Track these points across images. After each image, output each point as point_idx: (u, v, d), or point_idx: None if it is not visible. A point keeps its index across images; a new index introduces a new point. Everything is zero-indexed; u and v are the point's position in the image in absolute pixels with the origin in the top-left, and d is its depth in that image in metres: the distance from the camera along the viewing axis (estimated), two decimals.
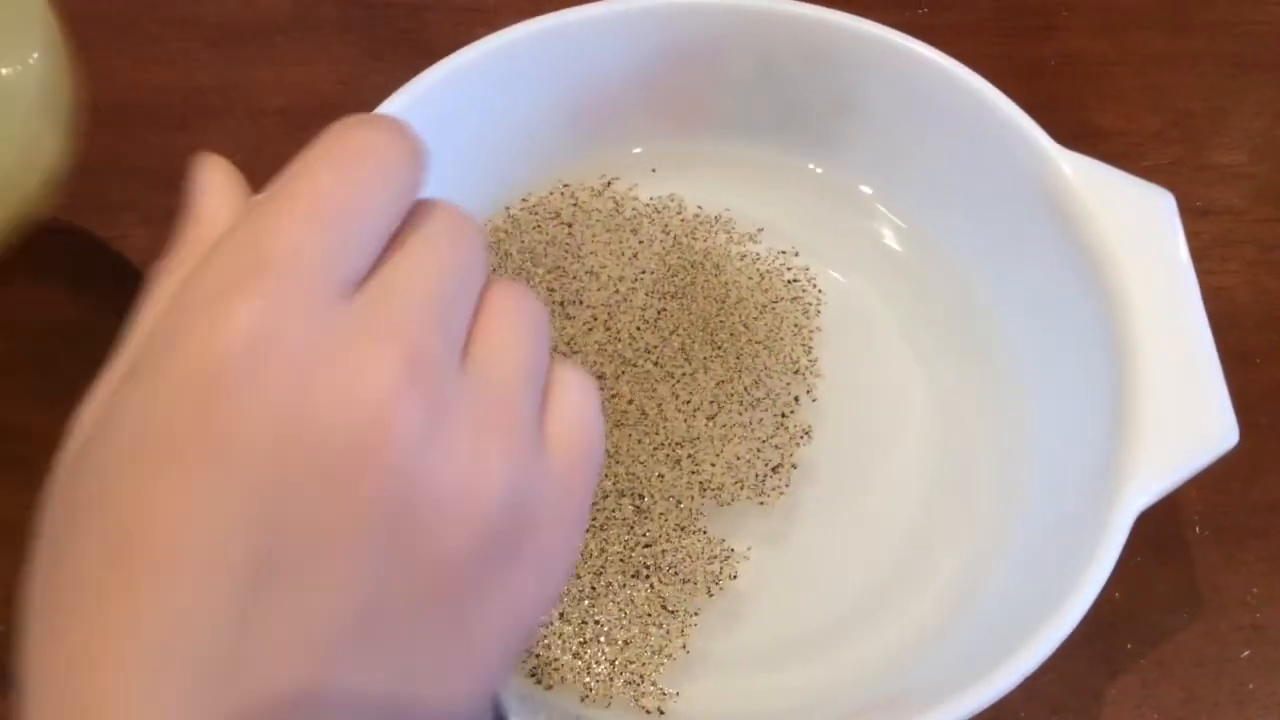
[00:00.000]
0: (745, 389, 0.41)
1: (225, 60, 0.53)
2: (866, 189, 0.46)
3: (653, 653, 0.37)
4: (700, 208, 0.45)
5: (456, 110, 0.42)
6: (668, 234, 0.43)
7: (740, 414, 0.40)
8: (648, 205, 0.45)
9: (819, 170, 0.46)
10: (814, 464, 0.40)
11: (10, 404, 0.43)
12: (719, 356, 0.41)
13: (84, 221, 0.47)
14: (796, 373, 0.41)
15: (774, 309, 0.42)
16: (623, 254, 0.43)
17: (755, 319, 0.42)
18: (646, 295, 0.42)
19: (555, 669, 0.37)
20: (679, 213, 0.44)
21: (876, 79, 0.43)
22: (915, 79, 0.43)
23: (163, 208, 0.51)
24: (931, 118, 0.43)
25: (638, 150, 0.46)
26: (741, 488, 0.39)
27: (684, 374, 0.41)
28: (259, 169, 0.52)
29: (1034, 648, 0.33)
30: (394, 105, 0.40)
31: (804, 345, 0.42)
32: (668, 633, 0.37)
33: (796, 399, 0.41)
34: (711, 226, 0.45)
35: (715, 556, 0.38)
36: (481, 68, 0.41)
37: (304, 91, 0.52)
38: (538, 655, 0.37)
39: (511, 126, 0.44)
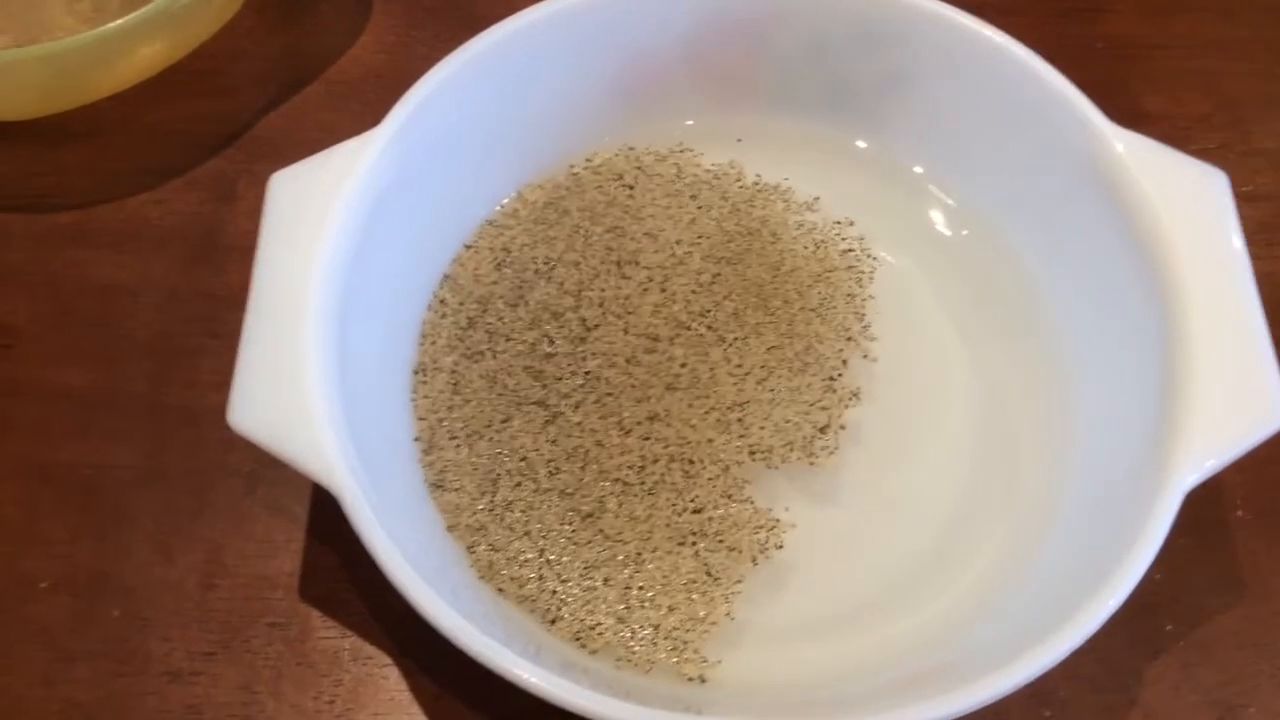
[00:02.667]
0: (796, 354, 0.38)
1: (269, 27, 0.50)
2: (918, 168, 0.43)
3: (696, 620, 0.35)
4: (759, 176, 0.42)
5: (510, 75, 0.39)
6: (726, 200, 0.41)
7: (790, 379, 0.38)
8: (708, 172, 0.42)
9: (869, 147, 0.44)
10: (861, 428, 0.38)
11: (52, 364, 0.42)
12: (771, 323, 0.38)
13: (128, 185, 0.45)
14: (849, 340, 0.39)
15: (828, 278, 0.39)
16: (681, 218, 0.40)
17: (809, 287, 0.39)
18: (703, 259, 0.39)
19: (599, 633, 0.34)
20: (738, 180, 0.42)
21: (927, 55, 0.41)
22: (967, 54, 0.40)
23: (207, 171, 0.51)
24: (983, 94, 0.41)
25: (690, 122, 0.44)
26: (791, 449, 0.37)
27: (736, 339, 0.38)
28: (303, 136, 0.52)
29: (1079, 625, 0.31)
30: (447, 69, 0.38)
31: (856, 313, 0.39)
32: (711, 600, 0.35)
33: (845, 362, 0.39)
34: (769, 195, 0.42)
35: (761, 525, 0.36)
36: (531, 36, 0.39)
37: (348, 60, 0.49)
38: (581, 619, 0.35)
39: (568, 93, 0.41)
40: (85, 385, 0.42)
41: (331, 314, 0.34)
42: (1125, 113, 0.39)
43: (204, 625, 0.37)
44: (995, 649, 0.33)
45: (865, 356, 0.39)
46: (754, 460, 0.37)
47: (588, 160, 0.42)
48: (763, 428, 0.37)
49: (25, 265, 0.44)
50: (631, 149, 0.42)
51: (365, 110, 0.48)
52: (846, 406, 0.38)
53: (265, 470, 0.40)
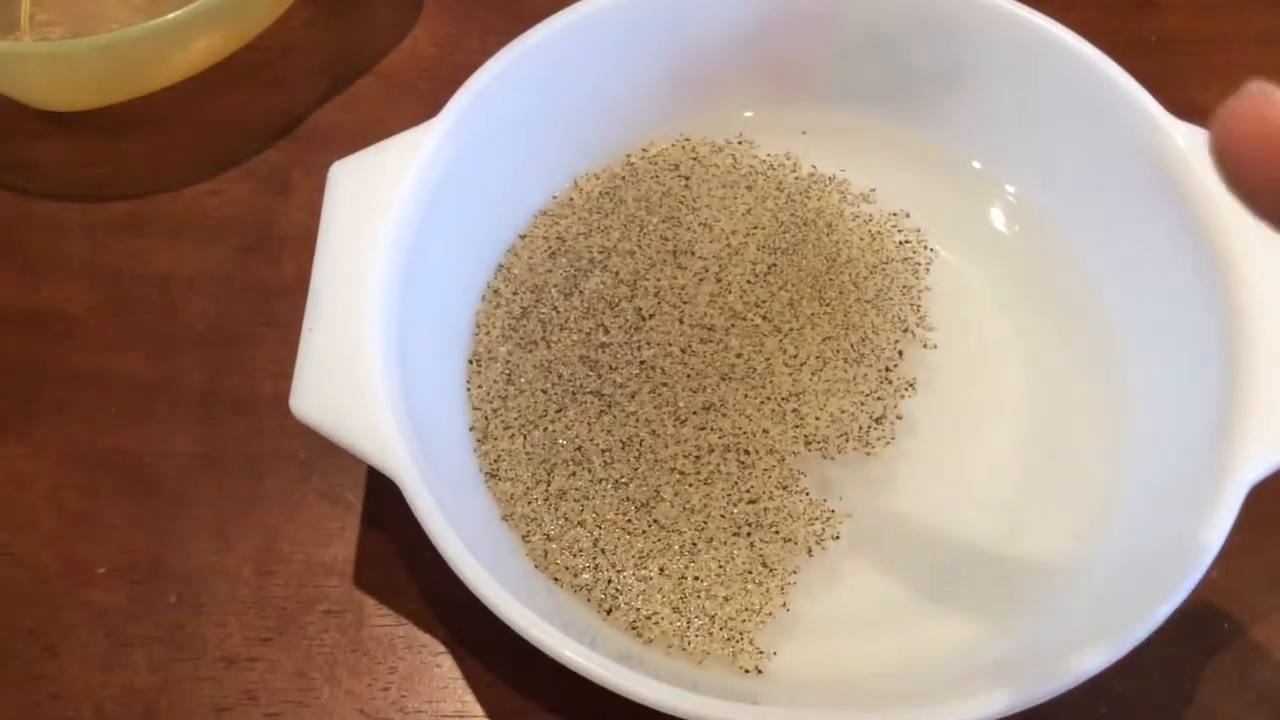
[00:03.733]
0: (852, 345, 0.38)
1: (322, 21, 0.50)
2: (976, 163, 0.43)
3: (752, 611, 0.34)
4: (815, 167, 0.42)
5: (566, 67, 0.39)
6: (781, 191, 0.40)
7: (845, 369, 0.37)
8: (763, 163, 0.42)
9: (928, 140, 0.43)
10: (917, 419, 0.38)
11: (110, 351, 0.42)
12: (826, 314, 0.38)
13: (184, 175, 0.46)
14: (905, 331, 0.38)
15: (884, 269, 0.39)
16: (736, 209, 0.40)
17: (865, 278, 0.39)
18: (758, 250, 0.39)
19: (655, 623, 0.34)
20: (794, 171, 0.41)
21: (985, 48, 0.40)
22: (1025, 47, 0.40)
23: (262, 162, 0.51)
24: (1041, 88, 0.40)
25: (749, 114, 0.43)
26: (846, 440, 0.37)
27: (791, 329, 0.38)
28: (356, 128, 0.52)
29: (1140, 622, 0.30)
30: (504, 60, 0.38)
31: (912, 305, 0.39)
32: (767, 591, 0.35)
33: (901, 353, 0.38)
34: (825, 186, 0.41)
35: (816, 517, 0.36)
36: (587, 28, 0.39)
37: (400, 53, 0.49)
38: (637, 609, 0.34)
39: (624, 84, 0.41)
40: (143, 373, 0.42)
41: (391, 303, 0.34)
42: (1180, 107, 0.39)
43: (260, 611, 0.37)
44: (1053, 645, 0.33)
45: (923, 347, 0.38)
46: (809, 451, 0.36)
47: (644, 150, 0.42)
48: (818, 418, 0.37)
49: (83, 254, 0.44)
50: (687, 139, 0.42)
51: (417, 103, 0.49)
52: (902, 397, 0.37)
53: (320, 458, 0.40)
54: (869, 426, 0.37)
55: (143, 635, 0.37)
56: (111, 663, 0.37)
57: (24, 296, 0.43)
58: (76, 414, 0.41)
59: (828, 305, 0.38)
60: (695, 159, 0.41)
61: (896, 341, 0.38)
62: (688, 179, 0.41)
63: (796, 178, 0.41)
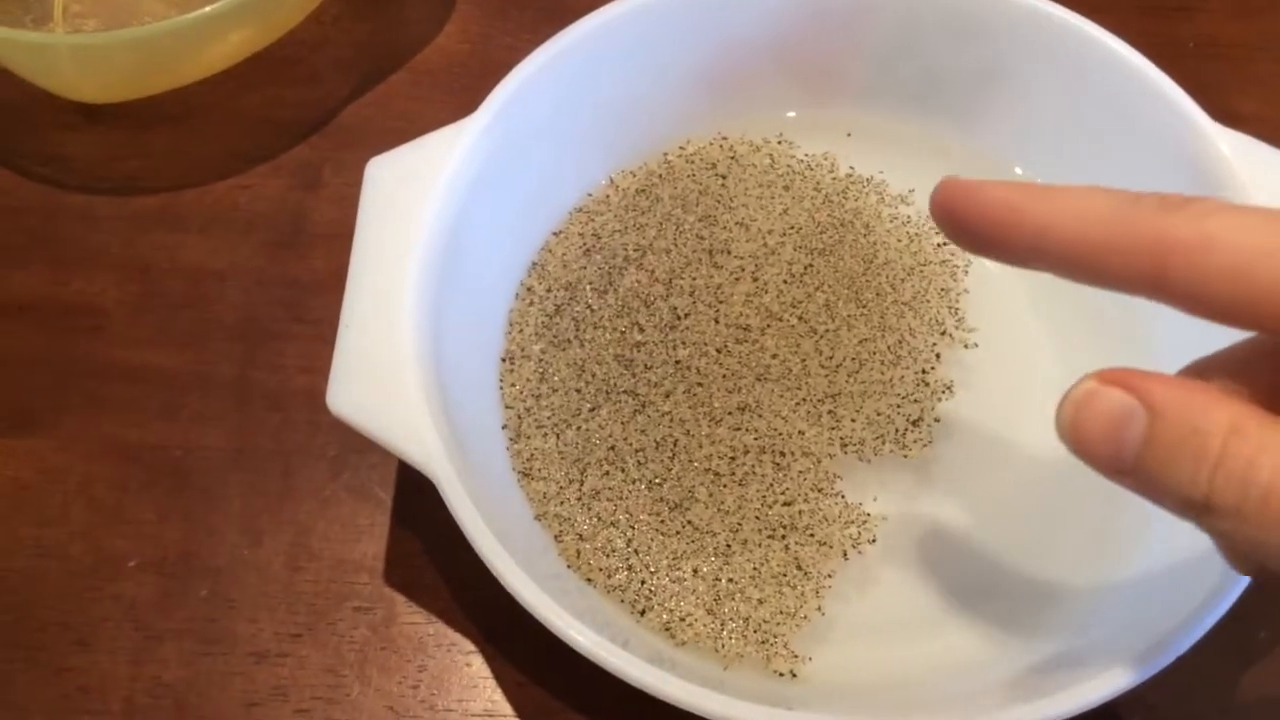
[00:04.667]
0: (888, 347, 0.37)
1: (354, 16, 0.50)
2: (1018, 169, 0.42)
3: (786, 614, 0.34)
4: (853, 168, 0.41)
5: (603, 65, 0.39)
6: (819, 191, 0.40)
7: (882, 371, 0.37)
8: (801, 162, 0.41)
9: (966, 143, 0.42)
10: (955, 422, 0.37)
11: (140, 345, 0.42)
12: (863, 315, 0.38)
13: (215, 170, 0.45)
14: (943, 334, 0.38)
15: (922, 271, 0.39)
16: (774, 208, 0.40)
17: (902, 280, 0.38)
18: (795, 250, 0.38)
19: (689, 624, 0.34)
20: (831, 171, 0.41)
21: (1021, 50, 0.40)
22: (1062, 50, 0.39)
23: (293, 158, 0.51)
24: (1080, 91, 0.39)
25: (791, 114, 0.43)
26: (883, 442, 0.36)
27: (827, 330, 0.37)
28: (387, 125, 0.52)
29: (1182, 633, 0.30)
30: (541, 58, 0.38)
31: (950, 308, 0.38)
32: (802, 594, 0.34)
33: (938, 356, 0.38)
34: (863, 187, 0.41)
35: (852, 520, 0.35)
36: (624, 26, 0.39)
37: (433, 49, 0.49)
38: (671, 610, 0.34)
39: (660, 82, 0.41)
40: (173, 367, 0.42)
41: (427, 300, 0.34)
42: (1217, 114, 0.38)
43: (290, 607, 0.37)
44: (1090, 656, 0.32)
45: (963, 348, 0.38)
46: (845, 453, 0.36)
47: (681, 148, 0.42)
48: (854, 420, 0.36)
49: (114, 247, 0.44)
50: (725, 138, 0.42)
51: (449, 100, 0.48)
52: (940, 400, 0.37)
53: (350, 454, 0.40)
54: (905, 429, 0.37)
55: (173, 629, 0.37)
56: (142, 656, 0.37)
57: (54, 289, 0.43)
58: (107, 408, 0.41)
59: (864, 307, 0.38)
60: (733, 158, 0.41)
61: (934, 344, 0.38)
62: (725, 178, 0.40)
63: (834, 178, 0.41)
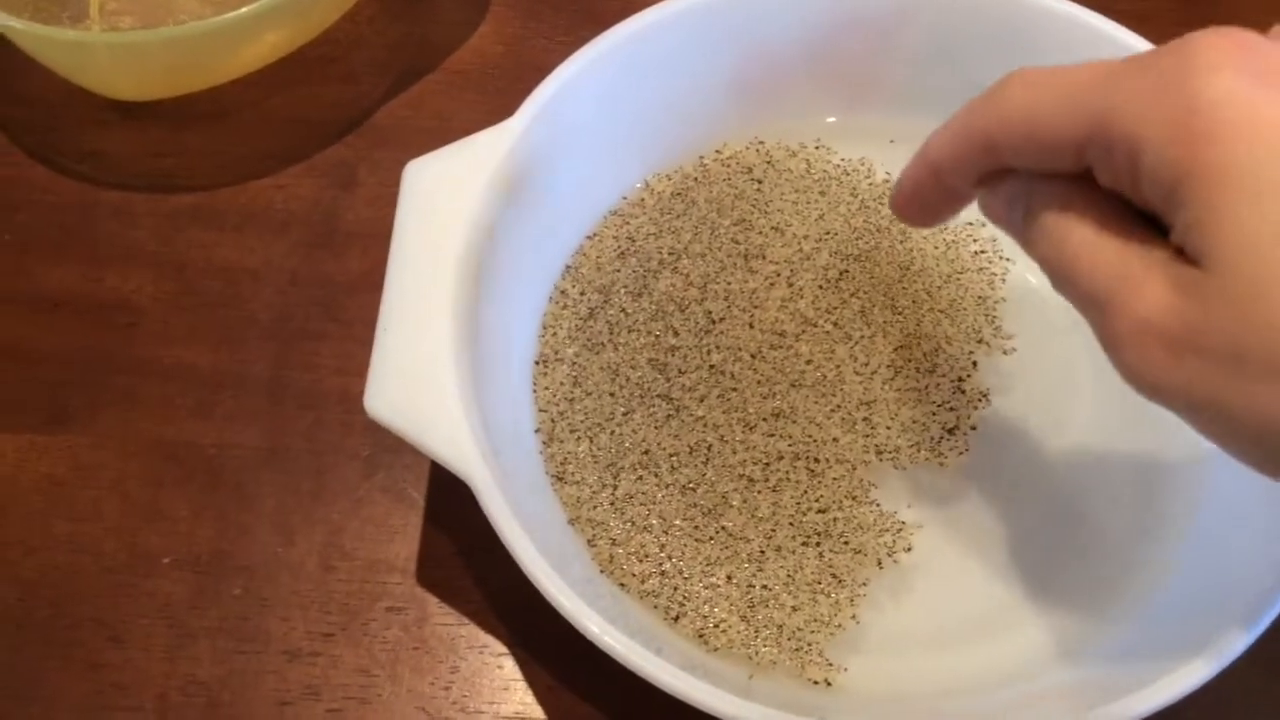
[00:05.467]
0: (924, 355, 0.37)
1: (390, 16, 0.50)
2: None
3: (821, 622, 0.34)
4: (889, 174, 0.41)
5: (640, 69, 0.39)
6: (855, 197, 0.40)
7: (918, 379, 0.37)
8: (837, 168, 0.41)
9: None
10: (991, 431, 0.37)
11: (175, 343, 0.42)
12: (899, 322, 0.38)
13: (250, 168, 0.46)
14: (980, 342, 0.38)
15: (958, 279, 0.38)
16: (809, 214, 0.39)
17: (939, 288, 0.38)
18: (830, 256, 0.38)
19: (722, 631, 0.34)
20: (868, 177, 0.41)
21: (1063, 59, 0.42)
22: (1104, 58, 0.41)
23: (328, 158, 0.51)
24: None
25: (832, 119, 0.42)
26: (919, 450, 0.36)
27: (862, 337, 0.37)
28: (422, 125, 0.51)
29: (1222, 649, 0.30)
30: (579, 62, 0.38)
31: (987, 316, 0.38)
32: (836, 603, 0.34)
33: (975, 364, 0.37)
34: None
35: (886, 529, 0.35)
36: (661, 31, 0.39)
37: (467, 51, 0.49)
38: (705, 616, 0.34)
39: (697, 87, 0.41)
40: (208, 365, 0.42)
41: (464, 304, 0.34)
42: None
43: (323, 607, 0.37)
44: (1128, 668, 0.32)
45: (1002, 354, 0.38)
46: (880, 460, 0.36)
47: (717, 151, 0.41)
48: (889, 427, 0.36)
49: (149, 244, 0.44)
50: (762, 143, 0.41)
51: (483, 101, 0.48)
52: (976, 408, 0.37)
53: (384, 455, 0.40)
54: (941, 437, 0.36)
55: (206, 627, 0.37)
56: (175, 653, 0.37)
57: (89, 286, 0.44)
58: (141, 405, 0.41)
59: (900, 314, 0.38)
60: (769, 162, 0.41)
61: (971, 352, 0.37)
62: (760, 182, 0.40)
63: (870, 184, 0.40)
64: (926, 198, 0.30)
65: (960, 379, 0.37)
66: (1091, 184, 0.25)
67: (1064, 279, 0.26)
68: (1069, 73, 0.25)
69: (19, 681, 0.36)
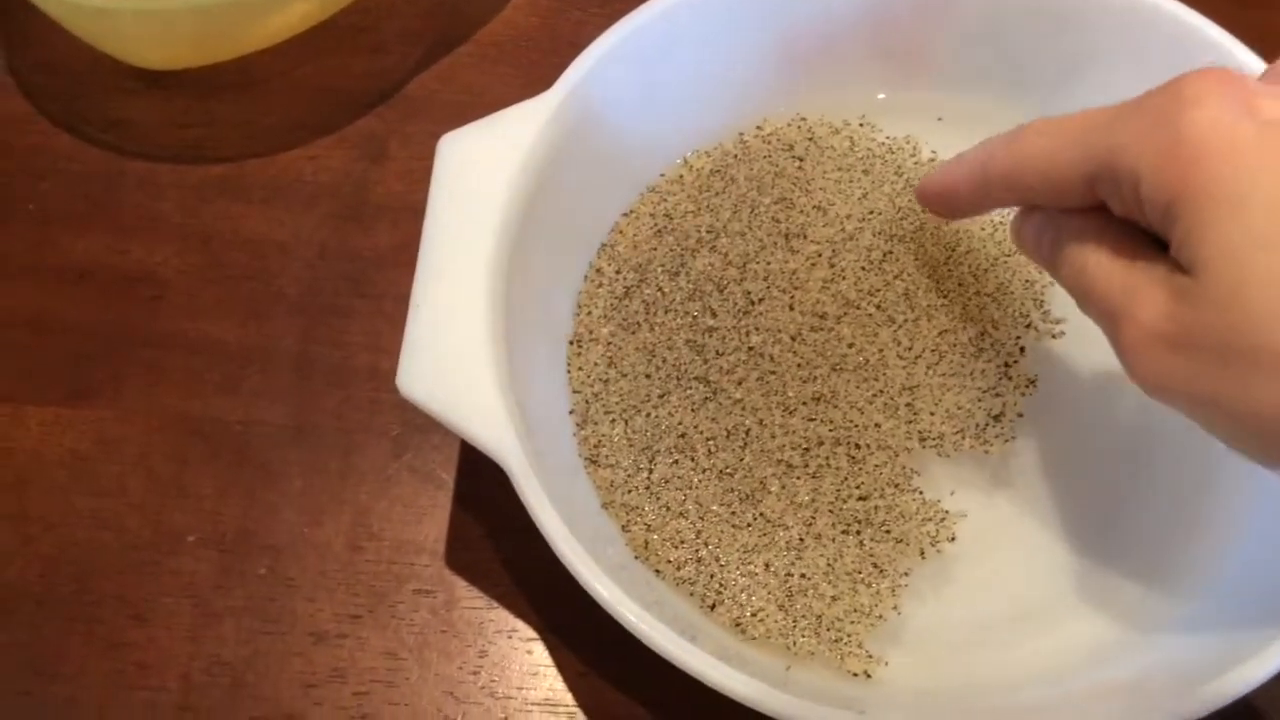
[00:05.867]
0: (970, 340, 0.36)
1: None
2: None
3: (861, 613, 0.33)
4: (935, 153, 0.40)
5: (679, 42, 0.38)
6: (900, 176, 0.38)
7: (963, 364, 0.36)
8: (882, 146, 0.40)
9: None
10: (1038, 418, 0.36)
11: (202, 316, 0.41)
12: (944, 306, 0.36)
13: (279, 139, 0.45)
14: (1028, 327, 0.36)
15: (1006, 262, 0.37)
16: (852, 193, 0.38)
17: (986, 271, 0.37)
18: (874, 236, 0.37)
19: (760, 620, 0.33)
20: (913, 155, 0.39)
21: (1115, 37, 0.38)
22: (1153, 37, 0.37)
23: (358, 130, 0.48)
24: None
25: (882, 96, 0.41)
26: (963, 437, 0.35)
27: (906, 320, 0.36)
28: (453, 98, 0.50)
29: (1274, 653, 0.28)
30: (617, 35, 0.37)
31: (1035, 300, 0.37)
32: (877, 593, 0.33)
33: (1022, 349, 0.36)
34: None
35: (929, 518, 0.34)
36: (702, 3, 0.38)
37: (500, 22, 0.48)
38: (742, 605, 0.33)
39: (738, 61, 0.40)
40: (234, 340, 0.41)
41: (499, 283, 0.33)
42: None
43: (350, 588, 0.37)
44: (1175, 668, 0.31)
45: (1051, 338, 0.37)
46: (924, 447, 0.35)
47: (758, 128, 0.40)
48: (933, 413, 0.35)
49: (175, 216, 0.44)
50: (804, 119, 0.40)
51: (516, 74, 0.47)
52: (1023, 394, 0.36)
53: (413, 434, 0.39)
54: (986, 424, 0.35)
55: (232, 607, 0.36)
56: (199, 633, 0.36)
57: (114, 257, 0.43)
58: (166, 379, 0.40)
59: (945, 297, 0.36)
60: (811, 139, 0.39)
61: (1018, 338, 0.36)
62: (802, 160, 0.39)
63: (916, 163, 0.39)
64: (949, 207, 0.34)
65: (1007, 364, 0.36)
66: (1106, 215, 0.28)
67: (1084, 299, 0.29)
68: (1076, 119, 0.28)
69: (40, 659, 0.36)
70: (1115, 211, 0.27)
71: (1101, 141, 0.27)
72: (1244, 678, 0.28)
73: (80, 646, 0.36)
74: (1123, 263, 0.27)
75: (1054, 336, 0.37)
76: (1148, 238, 0.27)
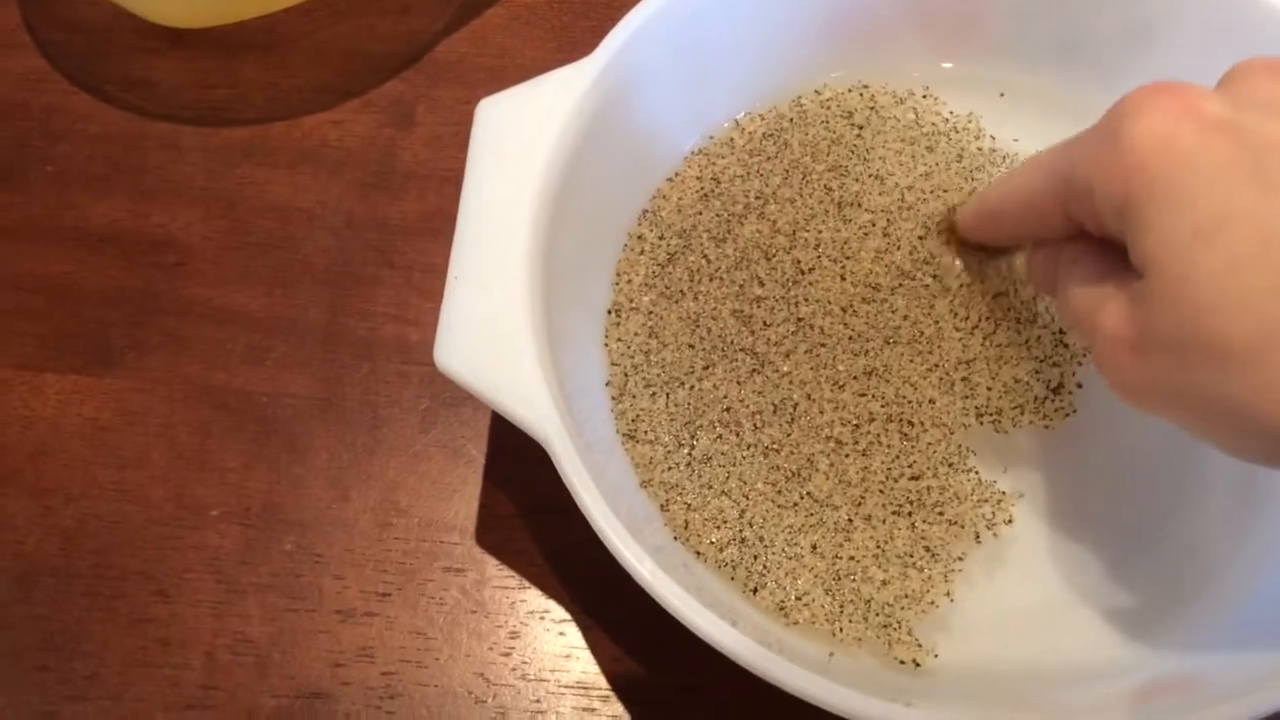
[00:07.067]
0: (1023, 303, 0.35)
1: None
2: None
3: (912, 598, 0.32)
4: (993, 138, 0.38)
5: (731, 1, 0.37)
6: (961, 161, 0.37)
7: (1018, 331, 0.35)
8: (946, 122, 0.38)
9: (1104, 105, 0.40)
10: (1099, 389, 0.32)
11: (226, 285, 0.40)
12: (995, 266, 0.35)
13: (304, 103, 0.44)
14: None
15: None
16: (915, 167, 0.37)
17: None
18: (935, 206, 0.36)
19: (805, 604, 0.32)
20: (976, 139, 0.38)
21: (1178, 10, 0.37)
22: (1225, 10, 0.36)
23: (385, 94, 0.48)
24: (1238, 52, 0.38)
25: (948, 65, 0.40)
26: (1022, 412, 0.34)
27: (961, 286, 0.35)
28: (483, 62, 0.49)
29: None
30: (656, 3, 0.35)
31: None
32: (929, 578, 0.32)
33: None
34: (1002, 164, 0.37)
35: (985, 499, 0.33)
36: None
37: None
38: (786, 588, 0.32)
39: (791, 25, 0.38)
40: (260, 309, 0.40)
41: (538, 254, 0.32)
42: None
43: (379, 565, 0.36)
44: (1235, 664, 0.30)
45: None
46: (981, 424, 0.34)
47: (816, 93, 0.39)
48: (990, 388, 0.34)
49: (198, 179, 0.43)
50: (866, 86, 0.39)
51: (548, 37, 0.46)
52: (1080, 363, 0.34)
53: (442, 409, 0.38)
54: (1046, 397, 0.34)
55: (257, 583, 0.36)
56: (223, 610, 0.35)
57: (135, 221, 0.42)
58: (190, 348, 0.40)
59: (996, 258, 0.35)
60: (873, 108, 0.38)
61: None
62: (861, 128, 0.38)
63: (979, 148, 0.38)
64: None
65: (1062, 330, 0.34)
66: (1088, 240, 0.29)
67: (1069, 325, 0.29)
68: (1051, 150, 0.29)
69: (60, 634, 0.35)
70: (1092, 231, 0.28)
71: (1064, 164, 0.28)
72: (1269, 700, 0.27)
73: (101, 622, 0.35)
74: (1095, 281, 0.28)
75: None
76: (1123, 256, 0.27)
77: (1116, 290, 0.27)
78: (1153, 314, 0.25)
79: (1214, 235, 0.24)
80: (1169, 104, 0.26)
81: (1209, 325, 0.24)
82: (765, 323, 0.35)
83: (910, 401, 0.34)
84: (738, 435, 0.34)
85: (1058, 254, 0.30)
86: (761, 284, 0.35)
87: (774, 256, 0.36)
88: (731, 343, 0.35)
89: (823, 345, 0.34)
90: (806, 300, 0.35)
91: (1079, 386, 0.34)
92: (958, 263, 0.35)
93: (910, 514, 0.33)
